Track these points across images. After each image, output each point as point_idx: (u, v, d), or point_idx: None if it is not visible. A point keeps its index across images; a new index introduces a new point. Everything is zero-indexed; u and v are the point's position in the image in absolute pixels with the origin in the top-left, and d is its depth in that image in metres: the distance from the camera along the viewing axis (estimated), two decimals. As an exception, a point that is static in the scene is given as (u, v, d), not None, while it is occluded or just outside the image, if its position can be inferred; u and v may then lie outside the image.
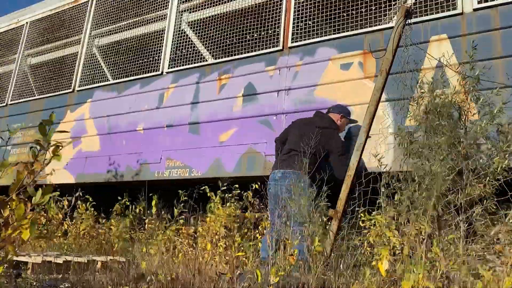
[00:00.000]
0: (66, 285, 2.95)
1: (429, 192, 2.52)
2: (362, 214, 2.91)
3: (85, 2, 6.84)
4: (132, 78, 5.85)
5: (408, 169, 2.84)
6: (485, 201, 2.55)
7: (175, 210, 4.34)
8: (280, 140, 3.78)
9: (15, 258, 3.36)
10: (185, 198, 4.29)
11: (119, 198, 5.21)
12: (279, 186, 3.34)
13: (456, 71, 2.99)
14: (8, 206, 1.97)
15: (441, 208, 2.56)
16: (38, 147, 2.06)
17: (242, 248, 3.73)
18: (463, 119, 2.84)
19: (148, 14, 6.00)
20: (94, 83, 6.30)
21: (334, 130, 3.59)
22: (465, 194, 2.52)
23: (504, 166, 2.53)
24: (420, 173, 2.67)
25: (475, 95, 2.81)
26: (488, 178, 2.54)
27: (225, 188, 4.19)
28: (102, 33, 6.56)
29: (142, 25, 6.05)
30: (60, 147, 2.02)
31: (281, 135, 3.83)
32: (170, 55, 5.54)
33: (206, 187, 4.29)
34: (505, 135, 2.65)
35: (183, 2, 5.69)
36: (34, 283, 2.93)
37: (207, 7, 5.43)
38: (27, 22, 7.69)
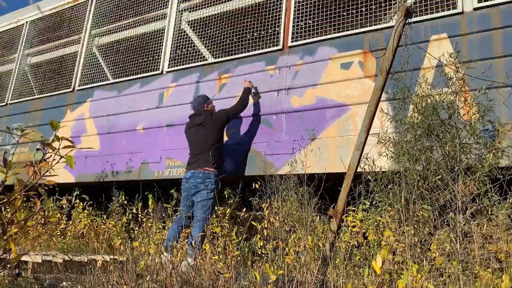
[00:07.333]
0: (66, 284, 2.95)
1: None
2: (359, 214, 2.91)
3: (85, 1, 6.83)
4: (132, 77, 5.84)
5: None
6: (477, 199, 2.55)
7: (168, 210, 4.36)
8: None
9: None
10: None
11: (118, 197, 5.22)
12: (188, 184, 4.01)
13: (455, 71, 2.99)
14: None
15: (438, 207, 2.56)
16: (44, 148, 2.01)
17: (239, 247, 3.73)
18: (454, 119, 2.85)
19: (148, 13, 6.00)
20: (94, 83, 6.30)
21: (210, 113, 4.30)
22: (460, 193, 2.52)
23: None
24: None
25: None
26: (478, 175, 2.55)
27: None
28: (102, 33, 6.55)
29: (142, 24, 6.05)
30: (71, 149, 1.95)
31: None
32: (170, 54, 5.54)
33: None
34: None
35: (183, 1, 5.69)
36: (34, 283, 2.93)
37: (207, 7, 5.42)
38: (26, 22, 7.68)
